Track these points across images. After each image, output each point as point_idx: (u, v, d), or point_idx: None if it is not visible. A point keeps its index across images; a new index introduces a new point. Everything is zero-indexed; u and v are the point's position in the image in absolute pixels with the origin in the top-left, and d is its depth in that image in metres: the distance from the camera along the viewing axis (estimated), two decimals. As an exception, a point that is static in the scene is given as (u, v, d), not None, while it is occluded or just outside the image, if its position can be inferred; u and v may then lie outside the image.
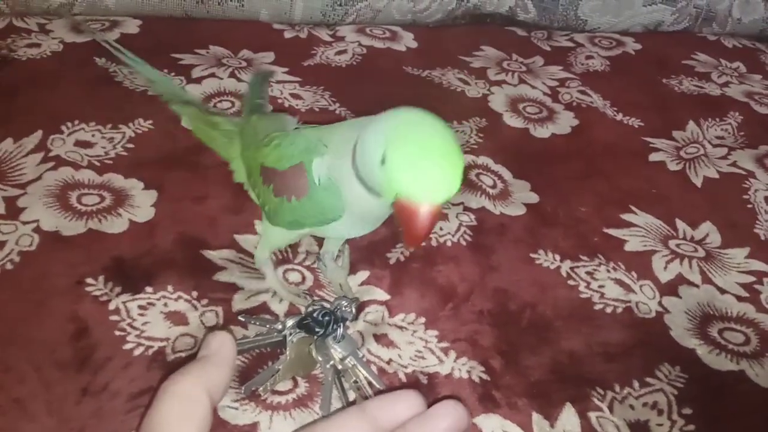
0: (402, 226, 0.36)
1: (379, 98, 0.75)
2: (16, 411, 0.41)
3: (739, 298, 0.56)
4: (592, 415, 0.45)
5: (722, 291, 0.56)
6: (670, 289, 0.55)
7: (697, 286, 0.56)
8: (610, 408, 0.45)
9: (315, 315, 0.46)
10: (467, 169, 0.66)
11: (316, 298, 0.51)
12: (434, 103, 0.75)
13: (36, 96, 0.67)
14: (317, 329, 0.45)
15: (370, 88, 0.77)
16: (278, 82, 0.75)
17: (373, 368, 0.46)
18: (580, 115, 0.77)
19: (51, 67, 0.72)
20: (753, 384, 0.49)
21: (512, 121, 0.75)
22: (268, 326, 0.47)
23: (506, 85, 0.81)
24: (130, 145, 0.62)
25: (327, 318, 0.46)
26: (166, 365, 0.44)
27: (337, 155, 0.41)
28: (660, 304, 0.54)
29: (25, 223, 0.53)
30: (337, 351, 0.45)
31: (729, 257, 0.59)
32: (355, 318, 0.49)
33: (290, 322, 0.46)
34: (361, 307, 0.50)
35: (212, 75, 0.74)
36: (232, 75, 0.74)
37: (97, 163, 0.60)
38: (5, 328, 0.45)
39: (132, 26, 0.81)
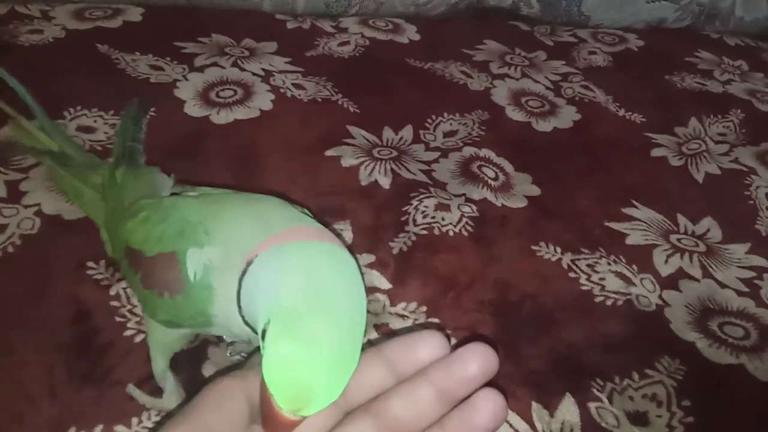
0: (262, 408, 0.27)
1: (382, 90, 0.76)
2: (18, 394, 0.41)
3: (739, 293, 0.56)
4: (592, 406, 0.45)
5: (722, 285, 0.56)
6: (671, 282, 0.55)
7: (697, 280, 0.56)
8: (610, 399, 0.45)
9: None
10: (469, 161, 0.66)
11: None
12: (436, 96, 0.76)
13: (38, 82, 0.66)
14: None
15: (372, 79, 0.77)
16: (281, 71, 0.75)
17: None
18: (583, 109, 0.77)
19: (53, 53, 0.72)
20: (752, 377, 0.49)
21: (514, 114, 0.75)
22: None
23: (509, 79, 0.81)
24: (133, 132, 0.62)
25: None
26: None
27: (222, 249, 0.33)
28: (660, 297, 0.54)
29: (26, 206, 0.53)
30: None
31: (729, 252, 0.59)
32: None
33: None
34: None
35: (215, 64, 0.74)
36: (234, 64, 0.74)
37: (99, 148, 0.60)
38: (7, 310, 0.45)
39: (135, 14, 0.81)
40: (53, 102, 0.64)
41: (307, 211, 0.37)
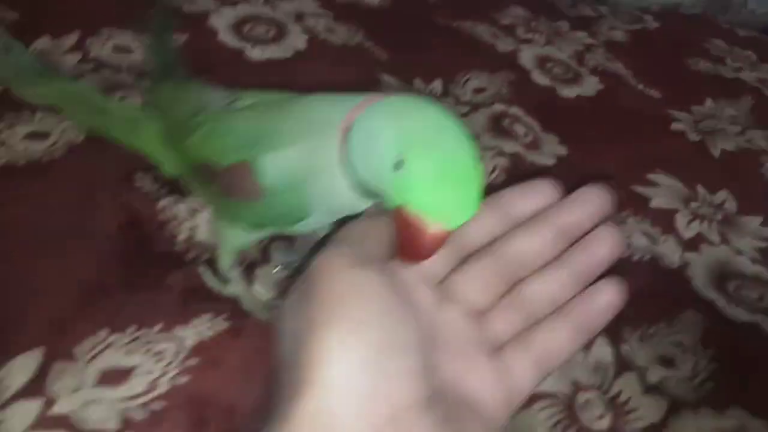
0: (401, 239, 0.29)
1: (412, 42, 0.76)
2: (75, 294, 0.41)
3: (753, 261, 0.58)
4: (624, 347, 0.47)
5: (738, 252, 0.59)
6: (692, 245, 0.58)
7: (715, 245, 0.58)
8: (639, 343, 0.47)
9: None
10: (499, 116, 0.67)
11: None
12: (465, 53, 0.77)
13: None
14: None
15: (403, 34, 0.77)
16: (313, 14, 0.74)
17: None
18: (605, 80, 0.79)
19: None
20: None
21: (540, 78, 0.76)
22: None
23: (534, 45, 0.82)
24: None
25: None
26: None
27: (303, 145, 0.33)
28: (682, 257, 0.56)
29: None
30: None
31: (744, 223, 0.62)
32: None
33: None
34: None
35: (245, 0, 0.73)
36: (267, 2, 0.74)
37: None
38: (57, 216, 0.45)
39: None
40: (87, 18, 0.63)
41: None
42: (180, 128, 0.39)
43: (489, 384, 0.28)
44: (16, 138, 0.49)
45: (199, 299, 0.42)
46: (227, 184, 0.36)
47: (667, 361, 0.47)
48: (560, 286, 0.29)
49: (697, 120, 0.76)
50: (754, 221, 0.62)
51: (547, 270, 0.30)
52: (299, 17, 0.73)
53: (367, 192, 0.31)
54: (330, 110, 0.32)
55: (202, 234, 0.47)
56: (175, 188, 0.49)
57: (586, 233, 0.29)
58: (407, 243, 0.28)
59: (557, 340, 0.29)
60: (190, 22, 0.66)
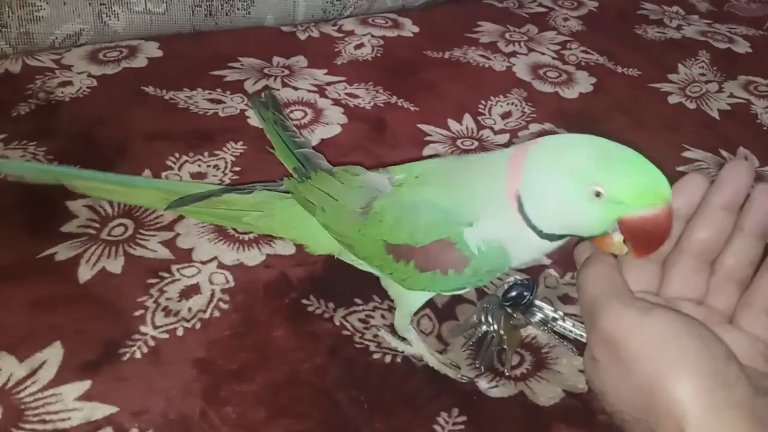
0: (635, 241, 0.35)
1: (424, 85, 0.79)
2: None
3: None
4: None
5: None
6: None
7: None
8: None
9: (511, 294, 0.51)
10: (540, 136, 0.72)
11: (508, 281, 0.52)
12: (472, 82, 0.81)
13: (113, 135, 0.64)
14: (522, 298, 0.50)
15: (412, 77, 0.80)
16: (328, 84, 0.76)
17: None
18: (593, 72, 0.86)
19: (103, 103, 0.68)
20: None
21: (542, 87, 0.82)
22: (470, 329, 0.50)
23: (520, 56, 0.88)
24: (237, 167, 0.62)
25: (520, 290, 0.51)
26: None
27: (487, 216, 0.39)
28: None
29: (203, 262, 0.52)
30: (544, 309, 0.51)
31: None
32: (537, 285, 0.54)
33: (490, 317, 0.50)
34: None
35: (267, 87, 0.74)
36: (285, 85, 0.75)
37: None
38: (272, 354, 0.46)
39: (152, 49, 0.78)
40: (147, 156, 0.62)
41: None
42: (351, 215, 0.42)
43: (748, 350, 0.34)
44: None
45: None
46: (428, 259, 0.40)
47: None
48: (748, 248, 0.36)
49: (682, 87, 0.85)
50: (776, 171, 0.72)
51: (732, 241, 0.36)
52: (321, 91, 0.74)
53: (557, 236, 0.38)
54: (491, 176, 0.38)
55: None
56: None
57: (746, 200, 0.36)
58: (647, 238, 0.35)
59: None
60: (232, 126, 0.67)
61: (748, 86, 0.86)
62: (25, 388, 0.42)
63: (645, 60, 0.90)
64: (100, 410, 0.41)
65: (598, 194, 0.34)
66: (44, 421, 0.40)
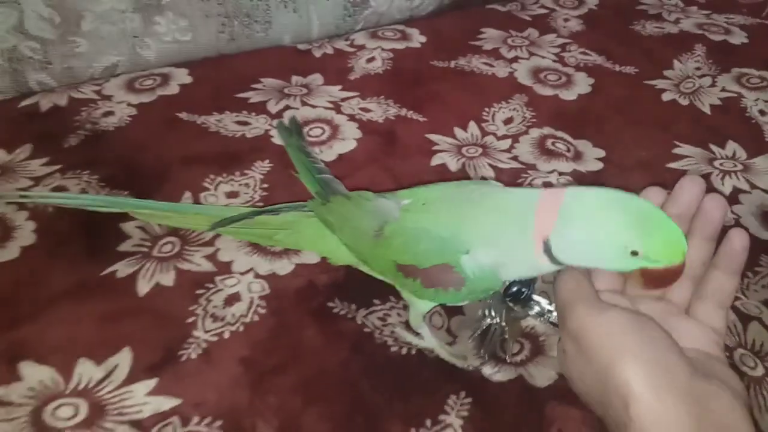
0: (650, 281, 0.41)
1: (431, 96, 0.86)
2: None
3: (780, 193, 0.73)
4: (737, 304, 0.60)
5: (766, 191, 0.73)
6: (733, 199, 0.71)
7: (749, 192, 0.72)
8: (745, 294, 0.61)
9: (511, 291, 0.58)
10: (542, 140, 0.78)
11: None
12: (476, 90, 0.87)
13: (153, 161, 0.72)
14: (521, 293, 0.57)
15: (420, 88, 0.87)
16: (343, 100, 0.83)
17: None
18: (592, 73, 0.91)
19: (144, 130, 0.76)
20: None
21: (543, 90, 0.88)
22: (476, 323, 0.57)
23: (522, 60, 0.93)
24: (266, 185, 0.70)
25: (519, 286, 0.58)
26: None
27: (489, 247, 0.44)
28: (732, 212, 0.70)
29: (242, 273, 0.60)
30: (541, 302, 0.57)
31: (758, 165, 0.76)
32: (535, 281, 0.61)
33: (493, 311, 0.57)
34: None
35: (287, 107, 0.81)
36: (304, 104, 0.82)
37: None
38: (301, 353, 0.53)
39: (182, 76, 0.85)
40: (185, 179, 0.69)
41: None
42: (366, 236, 0.49)
43: (701, 338, 0.41)
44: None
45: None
46: (430, 279, 0.46)
47: (769, 302, 0.60)
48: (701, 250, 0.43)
49: (676, 83, 0.90)
50: (765, 161, 0.77)
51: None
52: (336, 107, 0.81)
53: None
54: (513, 215, 0.44)
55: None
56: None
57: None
58: (658, 284, 0.41)
59: (721, 281, 0.43)
60: (259, 146, 0.74)
61: (740, 79, 0.91)
62: (104, 387, 0.50)
63: (642, 57, 0.95)
64: (167, 403, 0.50)
65: (634, 253, 0.39)
66: (122, 414, 0.49)
